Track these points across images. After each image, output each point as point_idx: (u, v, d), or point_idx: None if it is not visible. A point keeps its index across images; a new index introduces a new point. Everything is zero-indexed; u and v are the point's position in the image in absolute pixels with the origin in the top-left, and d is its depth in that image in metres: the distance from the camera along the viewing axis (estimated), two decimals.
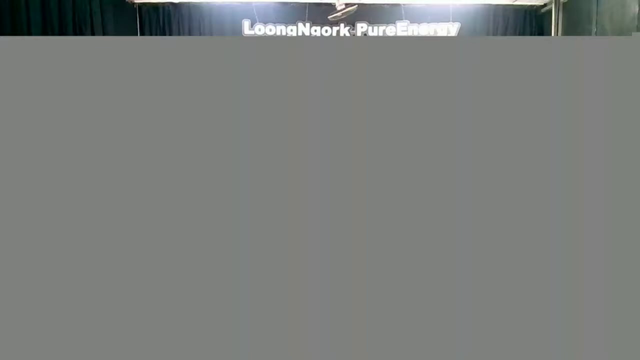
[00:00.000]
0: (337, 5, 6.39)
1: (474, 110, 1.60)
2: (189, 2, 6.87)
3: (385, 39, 1.95)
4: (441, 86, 1.59)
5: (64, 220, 1.56)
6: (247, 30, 6.92)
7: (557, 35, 6.37)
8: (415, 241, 1.60)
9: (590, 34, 5.66)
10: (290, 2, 6.92)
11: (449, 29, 6.96)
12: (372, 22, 6.98)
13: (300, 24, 6.95)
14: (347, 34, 6.98)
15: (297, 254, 1.60)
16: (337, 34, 6.97)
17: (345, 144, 1.59)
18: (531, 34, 7.09)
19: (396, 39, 1.91)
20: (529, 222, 1.60)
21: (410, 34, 6.94)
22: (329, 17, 6.49)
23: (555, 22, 6.44)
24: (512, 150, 1.60)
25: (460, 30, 6.95)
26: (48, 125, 1.55)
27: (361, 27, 7.00)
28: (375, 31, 7.01)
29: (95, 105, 1.56)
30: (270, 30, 6.94)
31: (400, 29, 6.98)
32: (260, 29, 6.93)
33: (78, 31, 5.74)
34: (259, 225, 1.59)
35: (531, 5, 7.05)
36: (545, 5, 6.89)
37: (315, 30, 6.96)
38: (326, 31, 6.98)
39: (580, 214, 1.59)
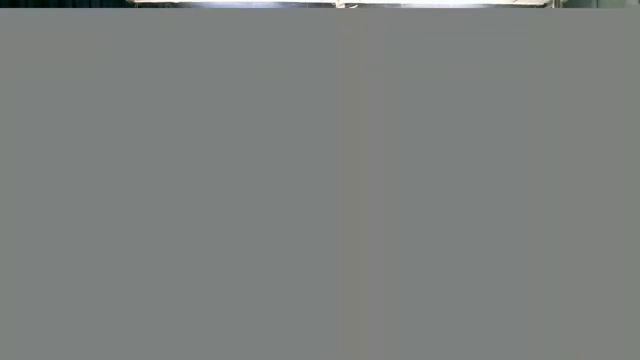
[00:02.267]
0: (337, 5, 6.38)
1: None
2: (189, 2, 6.83)
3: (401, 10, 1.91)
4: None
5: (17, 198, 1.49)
6: None
7: None
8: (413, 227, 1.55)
9: None
10: (290, 3, 6.90)
11: None
12: None
13: None
14: None
15: (297, 252, 1.55)
16: None
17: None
18: None
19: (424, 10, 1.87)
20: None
21: None
22: None
23: None
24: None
25: None
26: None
27: None
28: None
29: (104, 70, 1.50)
30: None
31: None
32: None
33: None
34: (256, 222, 1.53)
35: (531, 6, 7.07)
36: (545, 5, 6.91)
37: None
38: None
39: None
